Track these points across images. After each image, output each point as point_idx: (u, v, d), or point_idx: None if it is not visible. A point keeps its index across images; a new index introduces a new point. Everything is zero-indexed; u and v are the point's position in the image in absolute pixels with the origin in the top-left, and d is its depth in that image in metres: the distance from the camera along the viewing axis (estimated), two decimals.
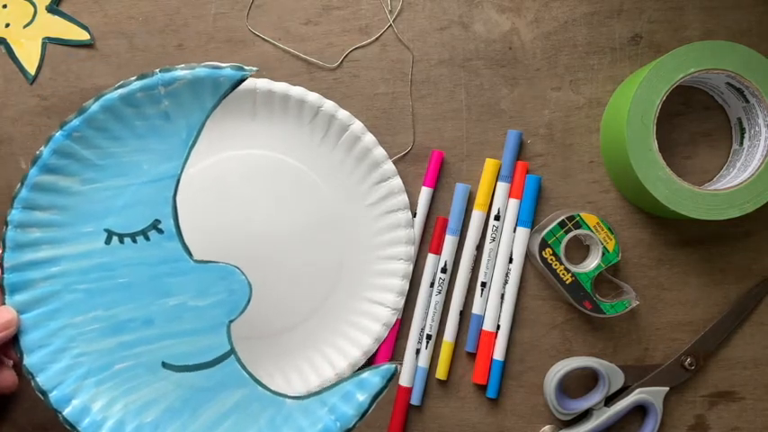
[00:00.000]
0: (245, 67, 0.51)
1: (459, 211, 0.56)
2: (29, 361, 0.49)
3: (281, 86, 0.54)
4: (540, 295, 0.56)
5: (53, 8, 0.57)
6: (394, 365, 0.49)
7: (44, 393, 0.49)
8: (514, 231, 0.56)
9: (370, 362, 0.56)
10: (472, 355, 0.56)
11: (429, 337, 0.56)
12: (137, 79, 0.50)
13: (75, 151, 0.50)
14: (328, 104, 0.54)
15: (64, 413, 0.49)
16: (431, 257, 0.56)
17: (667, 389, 0.55)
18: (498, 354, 0.55)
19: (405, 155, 0.56)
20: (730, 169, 0.55)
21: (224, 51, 0.56)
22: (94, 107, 0.50)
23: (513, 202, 0.56)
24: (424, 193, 0.56)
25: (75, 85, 0.57)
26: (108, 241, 0.52)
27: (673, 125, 0.56)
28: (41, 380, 0.49)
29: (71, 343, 0.51)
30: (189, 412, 0.52)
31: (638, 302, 0.53)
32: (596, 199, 0.56)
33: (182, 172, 0.53)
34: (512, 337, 0.56)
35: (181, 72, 0.50)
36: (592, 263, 0.54)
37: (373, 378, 0.49)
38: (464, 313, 0.56)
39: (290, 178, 0.55)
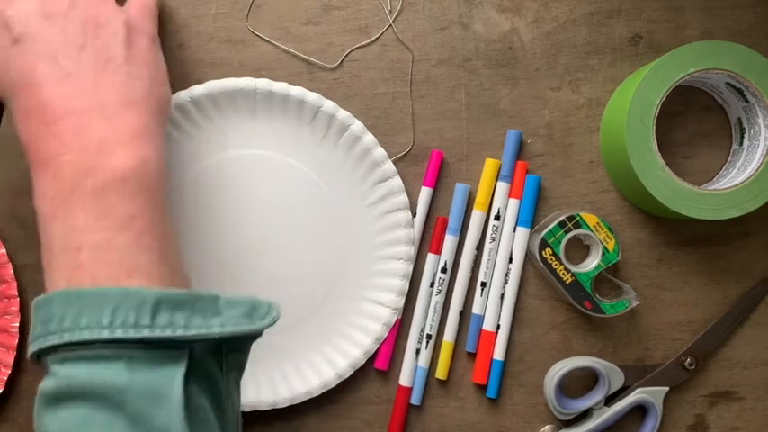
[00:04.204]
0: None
1: (459, 211, 0.56)
2: None
3: (280, 86, 0.54)
4: (540, 295, 0.56)
5: None
6: None
7: None
8: (514, 231, 0.56)
9: (371, 362, 0.56)
10: (472, 355, 0.56)
11: (429, 337, 0.56)
12: None
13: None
14: (328, 104, 0.54)
15: None
16: (431, 257, 0.56)
17: (667, 389, 0.55)
18: (498, 354, 0.55)
19: (405, 155, 0.56)
20: (730, 169, 0.55)
21: (224, 51, 0.56)
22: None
23: (513, 202, 0.56)
24: (424, 193, 0.56)
25: None
26: None
27: (673, 125, 0.56)
28: None
29: None
30: None
31: (638, 302, 0.53)
32: (596, 199, 0.56)
33: None
34: (512, 337, 0.56)
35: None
36: (592, 263, 0.54)
37: None
38: (464, 313, 0.56)
39: (289, 178, 0.55)
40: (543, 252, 0.53)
